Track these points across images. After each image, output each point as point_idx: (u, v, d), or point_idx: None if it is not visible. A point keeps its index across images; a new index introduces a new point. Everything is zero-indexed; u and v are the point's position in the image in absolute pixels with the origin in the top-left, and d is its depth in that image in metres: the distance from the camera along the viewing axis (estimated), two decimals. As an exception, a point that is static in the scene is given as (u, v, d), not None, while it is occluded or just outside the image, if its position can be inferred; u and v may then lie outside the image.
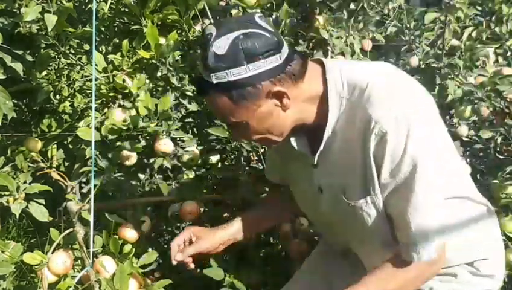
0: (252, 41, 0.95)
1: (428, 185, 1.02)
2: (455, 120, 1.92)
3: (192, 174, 1.88)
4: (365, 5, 2.32)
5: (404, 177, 1.01)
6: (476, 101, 1.81)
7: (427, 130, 1.02)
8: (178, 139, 1.83)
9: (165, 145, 1.75)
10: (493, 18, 2.19)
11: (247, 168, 1.77)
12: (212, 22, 1.93)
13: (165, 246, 2.33)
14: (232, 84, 0.98)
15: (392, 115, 0.99)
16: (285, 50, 1.01)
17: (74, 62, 1.90)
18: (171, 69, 1.78)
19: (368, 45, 2.51)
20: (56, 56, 1.86)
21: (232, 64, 0.96)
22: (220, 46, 0.96)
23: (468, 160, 1.94)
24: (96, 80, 1.74)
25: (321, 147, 1.10)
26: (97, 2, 1.83)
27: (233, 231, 1.41)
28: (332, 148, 1.10)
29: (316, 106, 1.09)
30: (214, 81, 0.98)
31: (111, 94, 1.80)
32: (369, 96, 1.02)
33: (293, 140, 1.14)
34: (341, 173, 1.11)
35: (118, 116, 1.77)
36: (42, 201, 1.73)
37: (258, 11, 1.96)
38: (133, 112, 1.78)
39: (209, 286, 2.02)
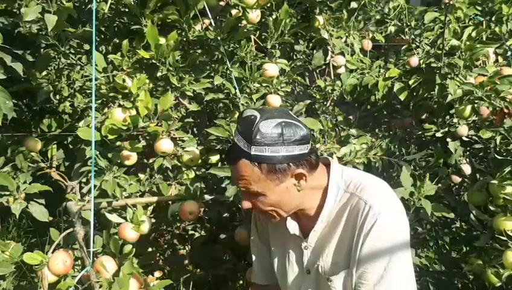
0: (292, 130, 1.17)
1: (400, 274, 1.19)
2: (455, 120, 1.92)
3: (192, 174, 1.88)
4: (366, 1, 2.32)
5: (380, 257, 1.17)
6: (476, 101, 1.81)
7: (406, 226, 1.22)
8: (178, 139, 1.84)
9: (165, 145, 1.75)
10: (493, 18, 2.19)
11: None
12: (212, 21, 1.94)
13: (165, 246, 2.34)
14: (267, 158, 1.17)
15: (382, 202, 1.21)
16: (310, 143, 1.22)
17: (74, 62, 1.90)
18: (171, 69, 1.78)
19: (367, 44, 2.51)
20: (56, 56, 1.86)
21: (272, 143, 1.16)
22: (265, 126, 1.16)
23: (467, 159, 1.94)
24: (96, 80, 1.74)
25: (315, 228, 1.28)
26: (97, 2, 1.82)
27: None
28: (323, 232, 1.28)
29: (316, 195, 1.28)
30: (253, 153, 1.16)
31: (111, 94, 1.80)
32: (362, 188, 1.23)
33: (288, 223, 1.32)
34: (329, 253, 1.27)
35: (118, 116, 1.77)
36: (42, 201, 1.74)
37: (258, 11, 1.95)
38: (133, 112, 1.78)
39: (209, 285, 2.03)
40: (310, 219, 1.30)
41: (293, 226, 1.32)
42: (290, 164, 1.19)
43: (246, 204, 1.26)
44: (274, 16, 2.06)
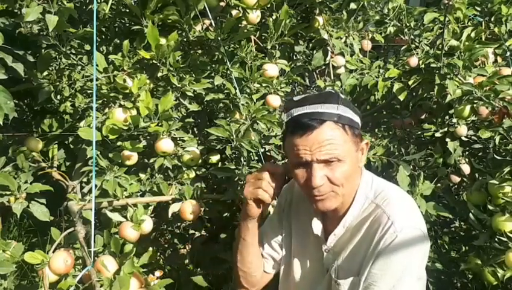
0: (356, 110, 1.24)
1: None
2: (454, 120, 1.92)
3: (192, 174, 1.89)
4: (365, 4, 2.32)
5: (391, 275, 1.16)
6: (475, 101, 1.81)
7: (424, 248, 1.20)
8: (178, 139, 1.84)
9: (165, 145, 1.76)
10: (492, 18, 2.20)
11: (247, 168, 1.78)
12: (212, 22, 1.94)
13: (166, 245, 2.34)
14: (350, 120, 1.19)
15: (406, 220, 1.19)
16: None
17: (75, 62, 1.91)
18: (171, 69, 1.79)
19: (367, 45, 2.52)
20: (57, 56, 1.87)
21: (353, 109, 1.21)
22: (345, 97, 1.22)
23: (467, 159, 1.95)
24: (97, 80, 1.75)
25: (335, 232, 1.28)
26: (98, 2, 1.83)
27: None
28: (343, 237, 1.28)
29: (352, 191, 1.27)
30: (339, 112, 1.17)
31: (112, 94, 1.81)
32: (389, 202, 1.22)
33: (314, 223, 1.32)
34: (343, 258, 1.27)
35: (118, 116, 1.78)
36: (43, 201, 1.74)
37: (259, 12, 1.96)
38: (134, 112, 1.79)
39: (210, 285, 2.04)
40: (333, 220, 1.30)
41: (317, 227, 1.32)
42: (361, 133, 1.23)
43: (321, 179, 1.17)
44: (274, 17, 2.07)
